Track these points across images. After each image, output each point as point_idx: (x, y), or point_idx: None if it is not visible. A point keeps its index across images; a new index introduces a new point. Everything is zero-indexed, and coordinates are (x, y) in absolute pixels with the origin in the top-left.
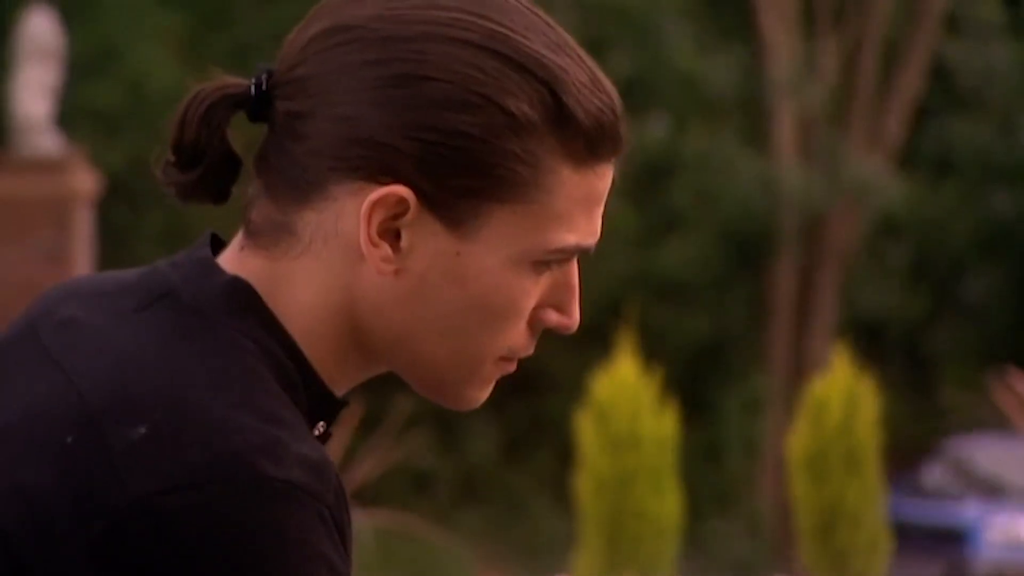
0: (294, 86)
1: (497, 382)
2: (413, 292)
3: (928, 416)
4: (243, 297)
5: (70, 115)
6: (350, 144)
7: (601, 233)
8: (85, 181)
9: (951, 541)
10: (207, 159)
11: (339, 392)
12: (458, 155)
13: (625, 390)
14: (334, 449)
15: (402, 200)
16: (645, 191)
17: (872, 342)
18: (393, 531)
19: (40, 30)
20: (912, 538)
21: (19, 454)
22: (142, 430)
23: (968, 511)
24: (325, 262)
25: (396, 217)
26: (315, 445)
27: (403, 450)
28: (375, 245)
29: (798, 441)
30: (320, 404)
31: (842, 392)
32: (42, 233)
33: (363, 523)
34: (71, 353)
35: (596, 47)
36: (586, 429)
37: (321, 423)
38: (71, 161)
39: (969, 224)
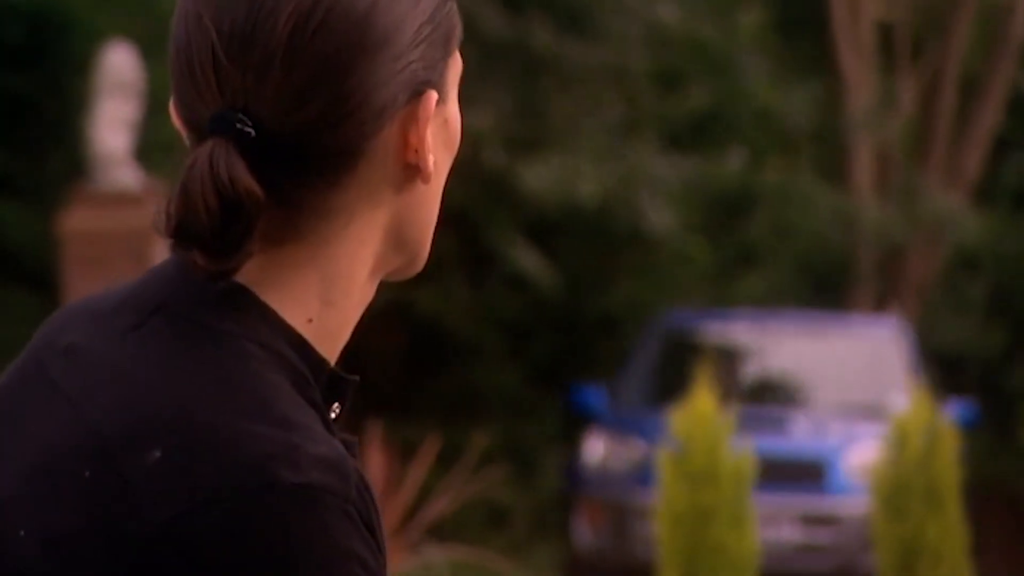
0: None
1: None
2: (435, 177)
3: (1007, 454)
4: (237, 298)
5: (147, 149)
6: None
7: (677, 267)
8: None
9: None
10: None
11: (343, 342)
12: (439, 31)
13: (703, 424)
14: (411, 482)
15: (432, 104)
16: (722, 225)
17: (950, 377)
18: (469, 565)
19: (119, 65)
20: None
21: (44, 497)
22: (156, 454)
23: None
24: (358, 219)
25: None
26: (332, 444)
27: (479, 484)
28: (428, 154)
29: (879, 474)
30: (331, 388)
31: (922, 426)
32: (121, 266)
33: (438, 558)
34: (76, 383)
35: (673, 81)
36: (665, 463)
37: (336, 405)
38: (149, 194)
39: None
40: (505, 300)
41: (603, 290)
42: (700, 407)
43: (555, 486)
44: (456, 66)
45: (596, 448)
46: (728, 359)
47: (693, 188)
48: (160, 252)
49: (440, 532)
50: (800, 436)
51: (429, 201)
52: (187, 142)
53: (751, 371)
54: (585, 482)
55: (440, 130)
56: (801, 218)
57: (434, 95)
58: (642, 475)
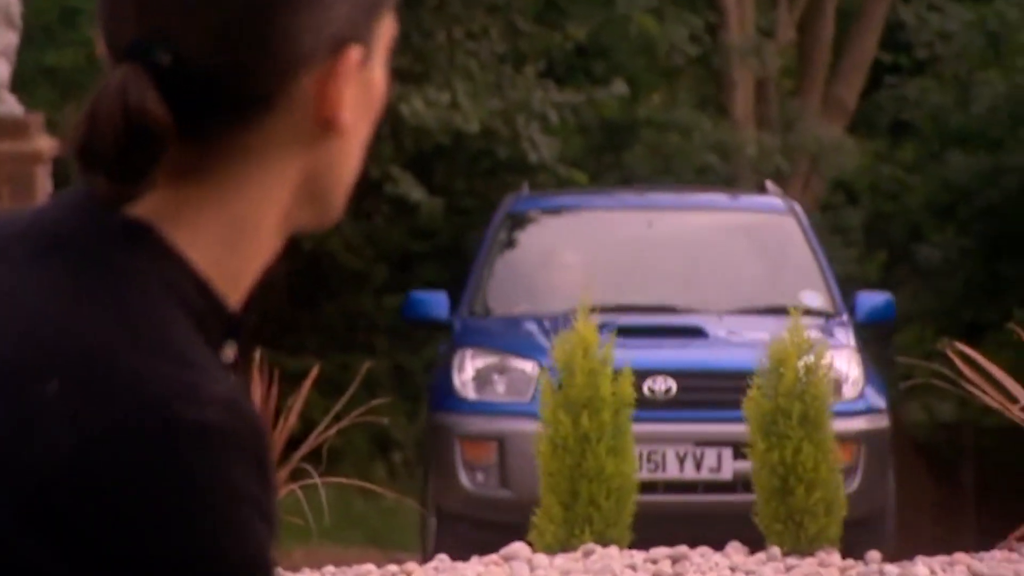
0: None
1: None
2: (353, 135)
3: (885, 378)
4: (141, 234)
5: (28, 78)
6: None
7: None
8: (44, 143)
9: None
10: None
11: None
12: None
13: (583, 351)
14: (293, 411)
15: (353, 61)
16: (601, 154)
17: None
18: (352, 494)
19: None
20: None
21: None
22: (55, 386)
23: None
24: (268, 165)
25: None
26: (229, 383)
27: (363, 413)
28: (343, 110)
29: (755, 402)
30: (229, 330)
31: (799, 352)
32: (4, 192)
33: (321, 486)
34: None
35: (554, 13)
36: (544, 391)
37: (231, 346)
38: (30, 123)
39: (926, 188)
40: (389, 229)
41: (486, 218)
42: (581, 335)
43: None
44: (387, 30)
45: (468, 371)
46: (596, 252)
47: (574, 119)
48: (39, 180)
49: (323, 461)
50: (721, 347)
51: (343, 159)
52: (106, 68)
53: (628, 266)
54: (463, 413)
55: (362, 91)
56: (681, 148)
57: (357, 52)
58: (527, 399)
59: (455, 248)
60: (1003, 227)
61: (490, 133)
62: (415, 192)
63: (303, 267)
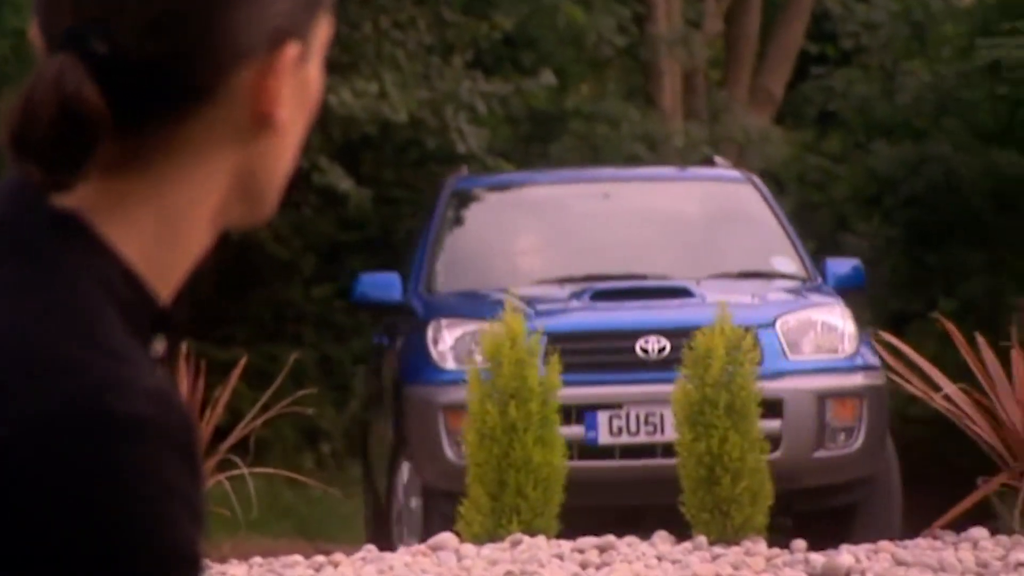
0: None
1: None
2: (288, 132)
3: None
4: (73, 225)
5: None
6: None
7: None
8: None
9: None
10: None
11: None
12: None
13: (511, 344)
14: (220, 402)
15: (291, 57)
16: (529, 144)
17: None
18: (279, 485)
19: None
20: None
21: None
22: None
23: None
24: (202, 160)
25: (286, 73)
26: (159, 377)
27: (290, 404)
28: (280, 107)
29: (681, 393)
30: (159, 324)
31: (726, 344)
32: None
33: (248, 477)
34: None
35: (482, 3)
36: (473, 380)
37: (160, 340)
38: None
39: (852, 178)
40: (318, 219)
41: (415, 208)
42: (509, 325)
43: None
44: (324, 29)
45: (447, 340)
46: (554, 225)
47: (502, 109)
48: None
49: (251, 452)
50: (713, 306)
51: (278, 156)
52: (42, 57)
53: (590, 238)
54: (444, 384)
55: (299, 88)
56: (609, 138)
57: (295, 48)
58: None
59: (384, 238)
60: (928, 217)
61: (418, 123)
62: (343, 182)
63: (231, 258)
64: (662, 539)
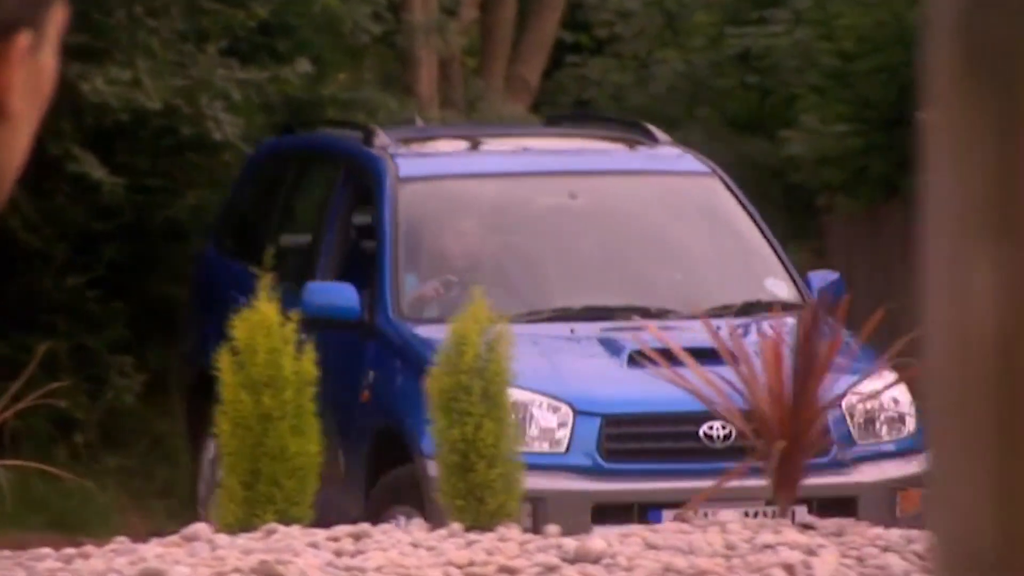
0: None
1: (142, 326)
2: (22, 121)
3: None
4: None
5: None
6: None
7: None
8: None
9: None
10: None
11: None
12: None
13: (265, 330)
14: None
15: (22, 45)
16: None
17: None
18: (32, 477)
19: None
20: None
21: None
22: None
23: None
24: None
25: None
26: None
27: (43, 393)
28: (11, 95)
29: (435, 380)
30: None
31: (480, 329)
32: None
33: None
34: None
35: None
36: (226, 368)
37: None
38: None
39: None
40: (71, 208)
41: (170, 197)
42: (262, 315)
43: (123, 395)
44: (58, 16)
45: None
46: (516, 234)
47: (258, 97)
48: None
49: (3, 444)
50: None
51: (11, 146)
52: None
53: (559, 253)
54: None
55: (31, 76)
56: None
57: (27, 38)
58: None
59: (138, 227)
60: None
61: (173, 111)
62: (97, 171)
63: None
64: (417, 526)
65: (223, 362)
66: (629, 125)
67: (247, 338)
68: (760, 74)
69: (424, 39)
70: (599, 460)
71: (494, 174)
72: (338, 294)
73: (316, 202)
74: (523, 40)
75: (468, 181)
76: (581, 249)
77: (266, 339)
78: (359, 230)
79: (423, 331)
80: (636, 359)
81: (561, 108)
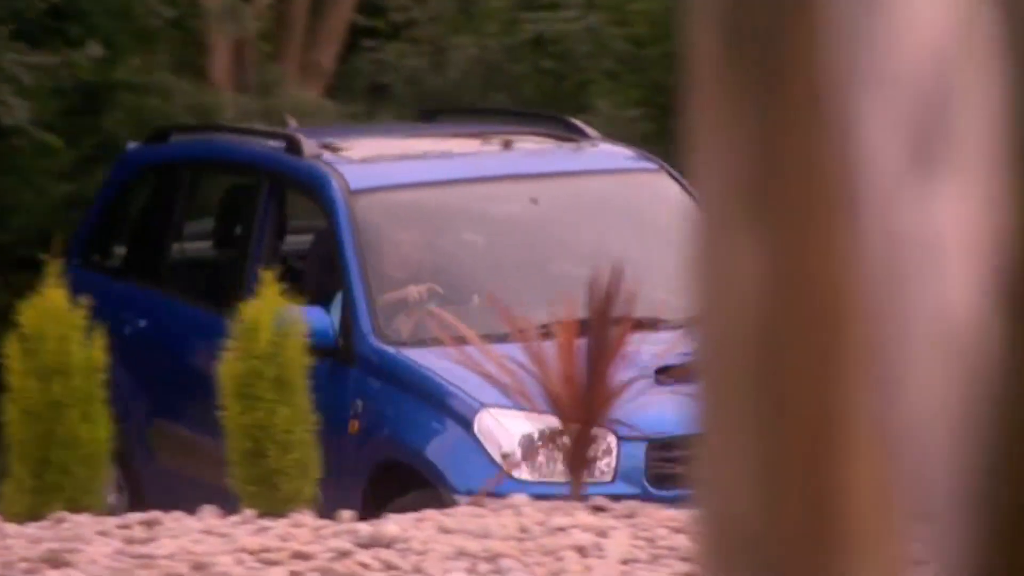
0: None
1: None
2: None
3: None
4: None
5: None
6: None
7: (34, 167)
8: None
9: None
10: None
11: None
12: None
13: (54, 317)
14: None
15: None
16: (79, 117)
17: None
18: None
19: None
20: None
21: None
22: None
23: None
24: None
25: None
26: None
27: None
28: None
29: (227, 366)
30: None
31: (272, 317)
32: None
33: None
34: None
35: None
36: (14, 356)
37: None
38: None
39: None
40: None
41: None
42: (51, 301)
43: None
44: None
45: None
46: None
47: (49, 80)
48: None
49: None
50: None
51: None
52: None
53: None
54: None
55: None
56: (160, 110)
57: None
58: None
59: None
60: None
61: None
62: None
63: None
64: (209, 513)
65: (11, 349)
66: (548, 119)
67: (36, 325)
68: (554, 59)
69: (217, 24)
70: (646, 486)
71: (449, 181)
72: (308, 319)
73: (225, 216)
74: (318, 25)
75: (423, 190)
76: (555, 257)
77: (55, 326)
78: (302, 248)
79: (416, 355)
80: (662, 378)
81: (357, 92)
